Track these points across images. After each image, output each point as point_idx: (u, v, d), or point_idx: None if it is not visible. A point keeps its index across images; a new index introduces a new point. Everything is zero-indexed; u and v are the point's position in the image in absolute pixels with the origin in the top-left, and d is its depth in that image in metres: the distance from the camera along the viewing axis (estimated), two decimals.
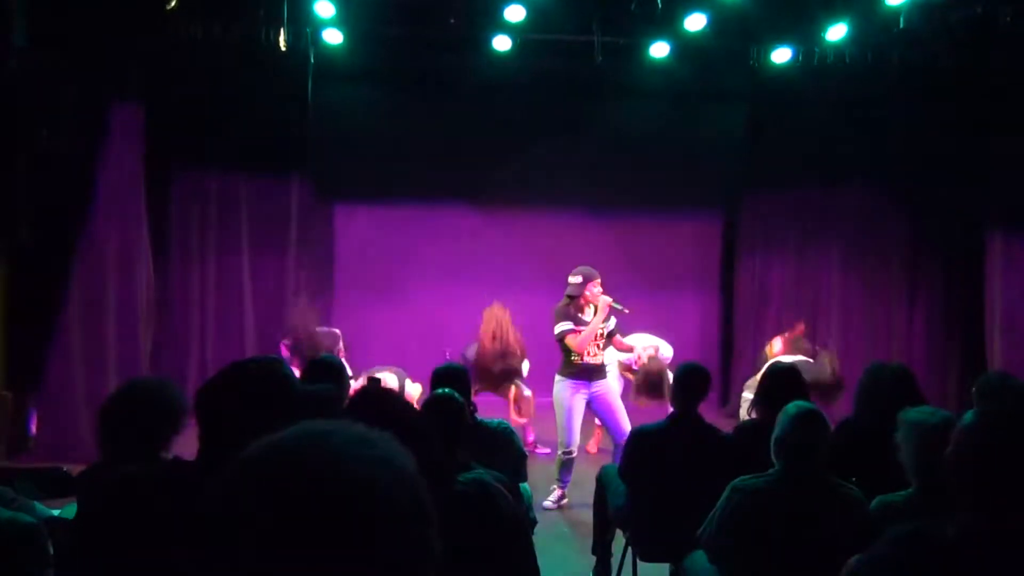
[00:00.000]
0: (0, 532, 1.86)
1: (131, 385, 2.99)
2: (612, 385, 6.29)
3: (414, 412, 2.14)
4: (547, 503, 5.94)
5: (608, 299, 5.86)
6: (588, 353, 5.85)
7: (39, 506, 2.90)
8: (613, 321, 6.06)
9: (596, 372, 5.92)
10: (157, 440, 2.79)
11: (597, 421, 7.05)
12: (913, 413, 2.95)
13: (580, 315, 5.87)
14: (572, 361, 5.87)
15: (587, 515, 5.03)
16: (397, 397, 2.27)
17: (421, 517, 0.90)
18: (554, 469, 6.07)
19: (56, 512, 3.01)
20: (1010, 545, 1.82)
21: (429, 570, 0.90)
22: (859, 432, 3.70)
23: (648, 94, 8.99)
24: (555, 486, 6.03)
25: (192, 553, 0.88)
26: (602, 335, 5.91)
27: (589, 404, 5.89)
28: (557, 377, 5.95)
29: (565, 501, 6.01)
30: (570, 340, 5.81)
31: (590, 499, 4.95)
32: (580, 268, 5.96)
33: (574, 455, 5.94)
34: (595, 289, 5.88)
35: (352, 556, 0.83)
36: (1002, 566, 1.82)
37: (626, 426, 5.74)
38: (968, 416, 1.98)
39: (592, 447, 7.33)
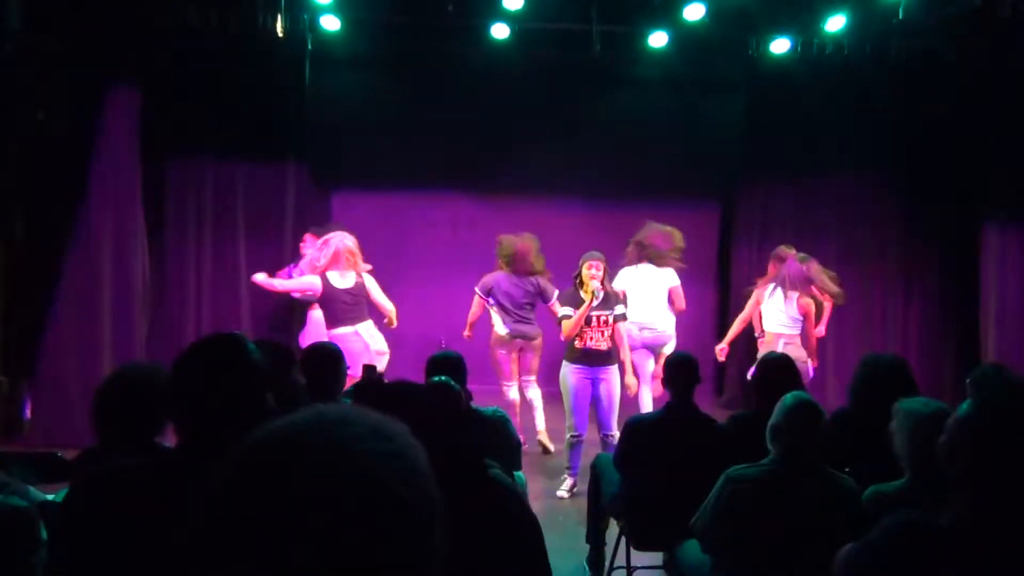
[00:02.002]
0: None
1: (126, 370, 2.98)
2: (624, 379, 6.23)
3: (458, 404, 2.09)
4: (561, 492, 5.99)
5: (596, 284, 5.83)
6: (589, 339, 5.85)
7: (33, 490, 2.90)
8: (622, 308, 6.04)
9: (600, 358, 5.89)
10: (151, 425, 2.78)
11: None
12: (907, 403, 2.96)
13: (582, 300, 5.86)
14: (574, 346, 5.91)
15: (581, 503, 5.04)
16: (447, 389, 2.22)
17: (429, 514, 0.89)
18: (564, 451, 6.15)
19: (50, 497, 3.00)
20: (1003, 534, 1.83)
21: (434, 567, 0.89)
22: (853, 422, 3.71)
23: (646, 83, 8.98)
24: (566, 475, 6.05)
25: (190, 542, 0.87)
26: (606, 321, 5.86)
27: (594, 386, 5.92)
28: (563, 361, 6.01)
29: (576, 488, 5.99)
30: (563, 325, 5.91)
31: (584, 487, 4.96)
32: (589, 252, 6.00)
33: (582, 438, 5.97)
34: (589, 271, 5.87)
35: (357, 551, 0.82)
36: (995, 554, 1.83)
37: (613, 420, 5.84)
38: (964, 407, 1.98)
39: None
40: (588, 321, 5.85)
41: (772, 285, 6.63)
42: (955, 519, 1.90)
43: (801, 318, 6.49)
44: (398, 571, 0.85)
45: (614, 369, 5.97)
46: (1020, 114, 7.52)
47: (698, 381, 4.31)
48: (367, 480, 0.85)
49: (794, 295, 6.48)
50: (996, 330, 7.89)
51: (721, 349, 7.06)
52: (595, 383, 5.91)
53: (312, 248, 7.19)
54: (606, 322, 5.87)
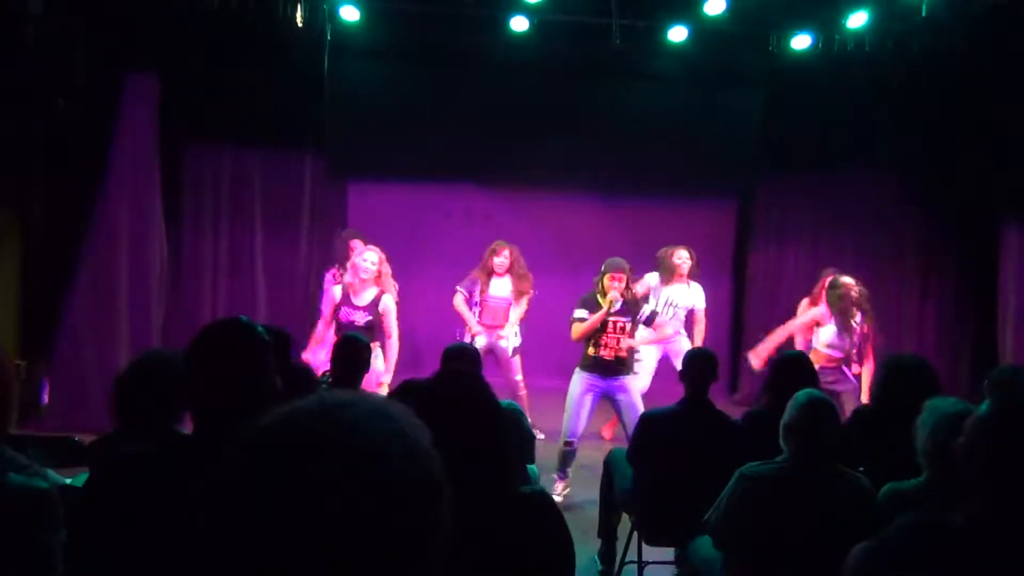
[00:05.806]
0: (14, 496, 1.88)
1: (145, 357, 3.00)
2: (640, 382, 6.35)
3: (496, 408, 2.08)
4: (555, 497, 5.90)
5: (616, 295, 5.72)
6: (603, 346, 5.74)
7: (52, 473, 2.93)
8: (646, 312, 5.98)
9: (612, 367, 5.76)
10: (169, 412, 2.80)
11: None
12: (938, 401, 2.93)
13: (599, 305, 5.75)
14: (587, 353, 5.81)
15: (593, 497, 5.04)
16: (483, 386, 2.21)
17: (432, 491, 0.91)
18: (556, 459, 5.90)
19: (68, 480, 3.03)
20: (1016, 536, 1.82)
21: (438, 543, 0.91)
22: (875, 421, 3.69)
23: (665, 78, 8.94)
24: (555, 476, 5.87)
25: (203, 524, 0.88)
26: (623, 328, 5.75)
27: (607, 398, 5.79)
28: (576, 368, 5.89)
29: (568, 491, 5.87)
30: (574, 328, 5.80)
31: (597, 482, 4.96)
32: (610, 260, 5.87)
33: (574, 447, 5.77)
34: (610, 282, 5.75)
35: (362, 528, 0.84)
36: (1007, 557, 1.82)
37: None
38: (983, 407, 1.97)
39: (607, 433, 7.26)
40: (604, 327, 5.74)
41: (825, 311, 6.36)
42: (969, 520, 1.89)
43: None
44: (403, 548, 0.86)
45: (630, 378, 5.85)
46: None
47: (715, 378, 4.30)
48: (370, 460, 0.86)
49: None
50: (1013, 331, 7.83)
51: (759, 359, 6.41)
52: (610, 392, 5.77)
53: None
54: (623, 329, 5.75)
